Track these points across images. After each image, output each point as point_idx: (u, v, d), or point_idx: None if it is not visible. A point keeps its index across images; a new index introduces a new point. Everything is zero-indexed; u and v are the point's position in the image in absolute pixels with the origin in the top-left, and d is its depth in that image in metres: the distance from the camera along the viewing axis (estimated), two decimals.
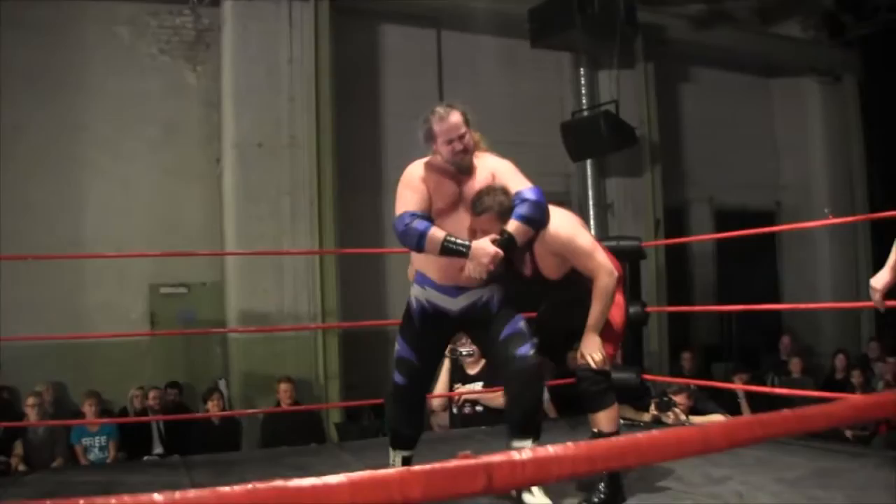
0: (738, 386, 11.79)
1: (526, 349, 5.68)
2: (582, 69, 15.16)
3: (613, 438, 2.05)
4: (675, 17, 15.91)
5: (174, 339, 12.59)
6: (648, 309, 10.07)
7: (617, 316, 6.06)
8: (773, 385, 12.99)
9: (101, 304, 12.37)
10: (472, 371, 9.25)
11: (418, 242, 5.46)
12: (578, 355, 5.89)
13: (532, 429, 5.76)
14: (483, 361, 9.25)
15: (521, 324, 5.80)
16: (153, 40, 13.07)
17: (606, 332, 5.93)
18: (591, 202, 15.02)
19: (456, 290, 5.80)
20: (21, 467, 9.74)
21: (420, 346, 5.99)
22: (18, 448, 10.10)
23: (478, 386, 9.32)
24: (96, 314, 12.26)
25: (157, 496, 1.64)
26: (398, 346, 6.03)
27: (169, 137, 13.00)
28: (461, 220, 5.65)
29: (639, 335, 11.13)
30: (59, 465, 10.04)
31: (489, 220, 5.53)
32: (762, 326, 15.81)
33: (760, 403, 11.60)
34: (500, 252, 5.42)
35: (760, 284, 16.44)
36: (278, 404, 10.99)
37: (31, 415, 10.22)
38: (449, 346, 8.62)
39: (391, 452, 6.30)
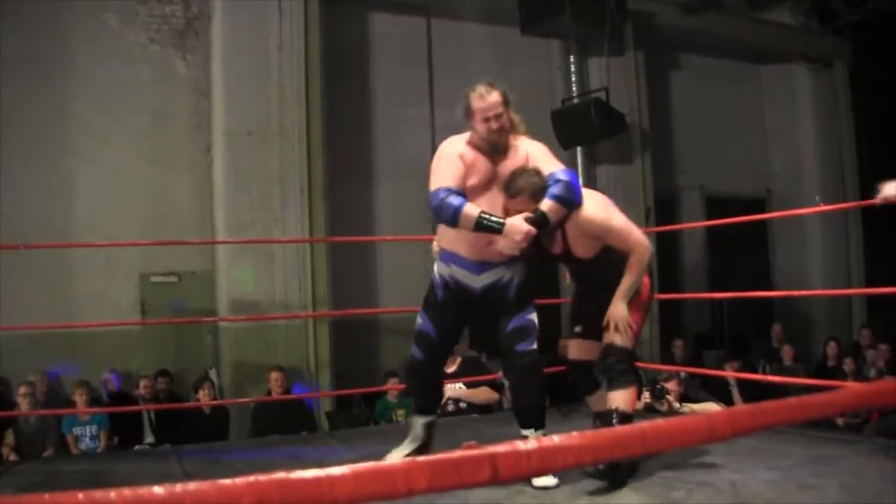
0: (729, 373, 11.79)
1: (526, 345, 5.92)
2: (572, 56, 15.13)
3: (618, 427, 2.04)
4: (664, 3, 15.89)
5: (165, 328, 12.57)
6: None
7: (644, 290, 6.22)
8: (764, 373, 12.99)
9: (91, 294, 12.36)
10: (450, 369, 9.29)
11: (453, 217, 5.60)
12: (605, 322, 5.97)
13: (534, 419, 6.06)
14: (459, 359, 9.55)
15: (530, 316, 6.01)
16: (142, 29, 13.04)
17: (635, 303, 6.06)
18: None
19: (480, 267, 5.94)
20: (12, 457, 9.70)
21: (440, 322, 6.20)
22: (10, 437, 10.07)
23: (459, 383, 9.40)
24: (87, 304, 12.24)
25: (157, 489, 1.62)
26: (420, 321, 6.25)
27: (158, 126, 12.97)
28: (495, 198, 5.80)
29: None
30: (50, 455, 10.02)
31: (523, 202, 5.70)
32: (753, 314, 15.82)
33: (752, 391, 11.60)
34: (533, 229, 5.58)
35: (751, 272, 16.44)
36: (269, 393, 10.98)
37: (23, 404, 10.19)
38: None
39: (414, 420, 6.57)
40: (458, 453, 1.83)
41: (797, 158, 17.67)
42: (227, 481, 1.68)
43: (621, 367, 5.95)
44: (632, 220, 6.61)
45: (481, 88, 5.91)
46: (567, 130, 14.28)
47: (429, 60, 14.53)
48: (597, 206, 5.97)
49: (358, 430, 9.41)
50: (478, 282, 5.99)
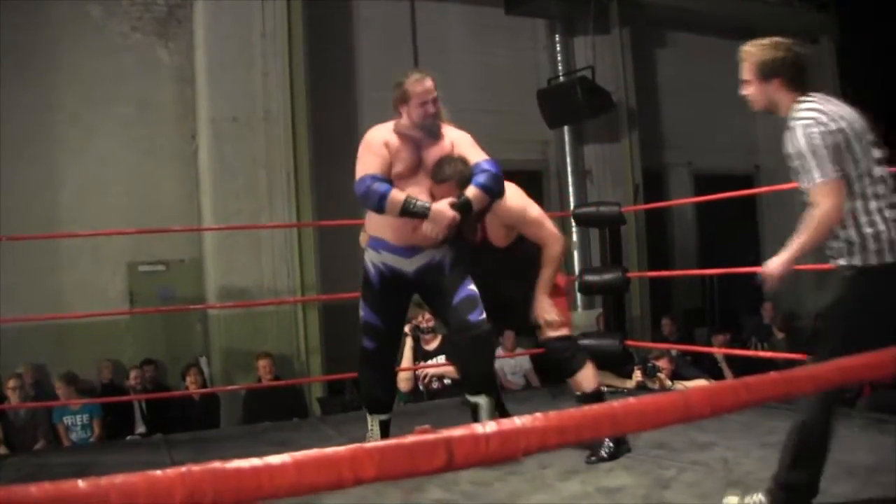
0: (722, 350, 11.77)
1: (477, 314, 6.10)
2: (557, 36, 15.13)
3: (586, 407, 1.99)
4: None
5: (154, 317, 12.52)
6: (629, 275, 10.02)
7: (561, 280, 6.64)
8: (756, 350, 12.96)
9: (79, 284, 12.32)
10: (430, 347, 9.50)
11: (379, 203, 5.79)
12: (535, 318, 6.35)
13: (488, 387, 6.35)
14: (440, 337, 9.71)
15: (472, 287, 6.18)
16: (124, 18, 12.97)
17: (554, 293, 6.44)
18: (569, 169, 15.02)
19: (410, 251, 6.10)
20: (2, 450, 9.66)
21: (383, 310, 6.32)
22: None
23: (440, 360, 9.45)
24: (74, 294, 12.19)
25: (81, 483, 1.57)
26: (362, 313, 6.38)
27: (143, 115, 12.90)
28: (420, 185, 5.99)
29: (620, 301, 11.09)
30: (41, 447, 9.99)
31: (449, 188, 5.91)
32: (743, 290, 15.79)
33: (744, 369, 11.58)
34: (458, 215, 5.77)
35: (741, 248, 16.41)
36: (259, 381, 10.95)
37: (13, 397, 10.15)
38: (411, 324, 9.36)
39: (369, 418, 6.67)
40: (410, 439, 1.77)
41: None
42: (158, 472, 1.62)
43: (567, 355, 6.34)
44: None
45: (417, 74, 6.05)
46: (553, 110, 14.28)
47: (413, 42, 14.46)
48: (515, 197, 6.31)
49: (350, 414, 9.34)
50: (410, 265, 6.15)
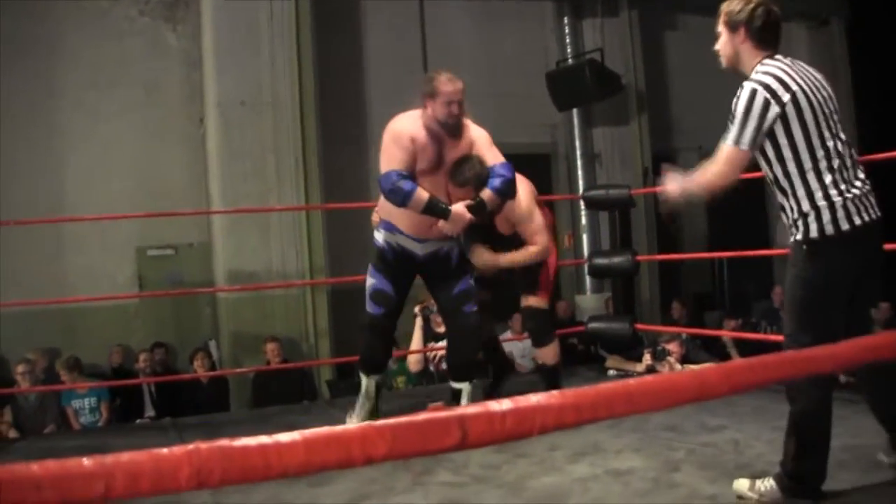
0: (731, 333, 11.74)
1: (471, 306, 6.74)
2: (566, 18, 15.07)
3: (602, 385, 1.95)
4: None
5: (163, 301, 12.54)
6: (639, 258, 10.01)
7: (553, 263, 7.41)
8: (765, 333, 12.92)
9: (88, 269, 12.34)
10: (441, 329, 9.57)
11: (404, 201, 6.11)
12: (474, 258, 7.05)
13: (472, 374, 6.98)
14: None
15: (471, 282, 6.81)
16: (131, 2, 12.96)
17: (545, 277, 7.25)
18: (578, 152, 14.98)
19: (423, 240, 6.59)
20: (12, 434, 9.66)
21: (394, 279, 6.78)
22: (7, 415, 10.03)
23: None
24: (83, 279, 12.19)
25: (85, 461, 1.54)
26: (374, 281, 6.83)
27: (150, 99, 12.92)
28: (439, 181, 6.37)
29: (630, 285, 11.10)
30: (51, 431, 9.99)
31: (466, 191, 6.33)
32: (754, 275, 15.76)
33: (753, 353, 11.52)
34: (473, 217, 6.26)
35: (750, 231, 16.37)
36: (267, 364, 10.96)
37: (22, 382, 10.14)
38: (421, 305, 9.78)
39: (364, 379, 7.14)
40: (422, 416, 1.74)
41: None
42: (164, 451, 1.59)
43: (541, 327, 7.19)
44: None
45: (448, 74, 6.29)
46: (562, 92, 14.24)
47: (421, 26, 14.43)
48: (525, 200, 6.92)
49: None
50: (421, 249, 6.65)
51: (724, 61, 4.93)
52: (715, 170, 4.67)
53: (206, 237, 12.69)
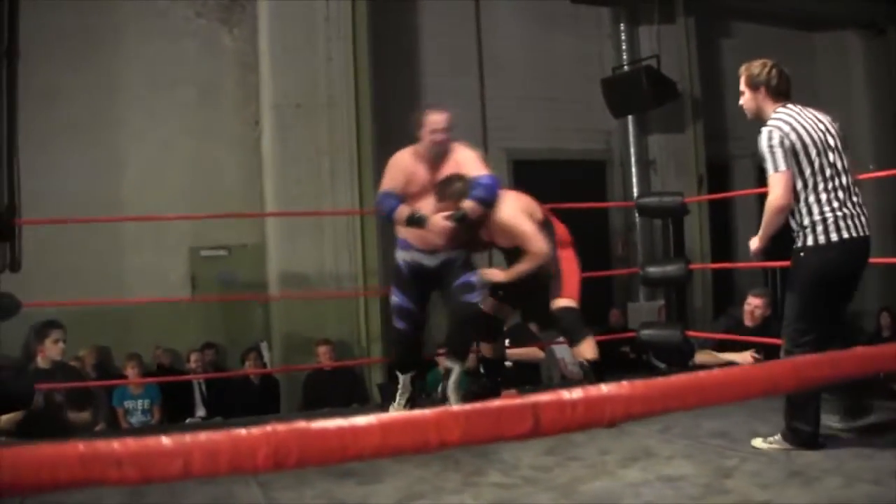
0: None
1: (471, 297, 7.37)
2: (622, 24, 15.07)
3: (673, 377, 1.95)
4: None
5: (215, 301, 12.57)
6: (692, 266, 9.99)
7: (573, 267, 7.57)
8: None
9: (141, 268, 12.41)
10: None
11: (389, 215, 7.26)
12: (483, 274, 7.58)
13: (462, 355, 7.64)
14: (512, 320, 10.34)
15: (473, 278, 7.43)
16: (189, 2, 13.06)
17: (568, 279, 7.40)
18: (632, 159, 14.96)
19: (432, 252, 7.37)
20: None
21: (412, 295, 7.56)
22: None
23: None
24: (137, 278, 12.29)
25: (165, 439, 1.55)
26: (395, 299, 7.61)
27: (206, 100, 13.00)
28: (431, 202, 7.18)
29: (682, 293, 11.05)
30: (100, 430, 10.02)
31: (449, 204, 7.07)
32: None
33: None
34: (451, 224, 7.02)
35: None
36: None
37: None
38: None
39: (400, 377, 7.85)
40: (496, 403, 1.75)
41: (850, 125, 17.35)
42: (242, 431, 1.60)
43: (570, 325, 7.35)
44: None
45: (435, 110, 7.39)
46: (618, 99, 14.23)
47: (477, 30, 14.44)
48: (509, 210, 7.28)
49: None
50: (432, 261, 7.42)
51: (748, 114, 6.10)
52: (773, 196, 5.72)
53: (259, 239, 12.70)
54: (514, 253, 7.38)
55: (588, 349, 7.33)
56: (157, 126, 12.70)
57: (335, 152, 12.16)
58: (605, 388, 1.82)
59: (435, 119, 7.24)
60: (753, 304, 9.30)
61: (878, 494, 4.68)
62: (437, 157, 7.28)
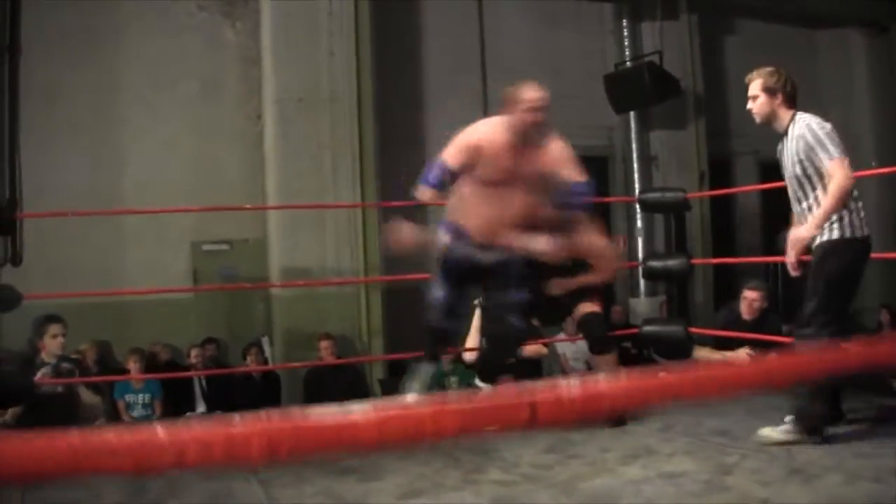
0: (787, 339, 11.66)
1: (516, 319, 6.76)
2: (624, 21, 15.04)
3: (666, 372, 1.95)
4: None
5: (217, 296, 12.62)
6: (694, 261, 10.00)
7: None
8: None
9: (143, 262, 12.38)
10: None
11: (422, 183, 6.41)
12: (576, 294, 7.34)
13: (491, 377, 7.20)
14: None
15: (524, 296, 6.74)
16: None
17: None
18: (634, 155, 14.96)
19: (485, 248, 6.51)
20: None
21: (456, 290, 6.78)
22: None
23: None
24: (138, 272, 12.25)
25: (160, 430, 1.56)
26: (435, 289, 6.80)
27: (208, 95, 12.98)
28: (515, 191, 6.36)
29: (684, 287, 11.06)
30: (100, 424, 10.01)
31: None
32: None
33: None
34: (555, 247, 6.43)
35: None
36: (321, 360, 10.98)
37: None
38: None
39: (425, 366, 7.09)
40: (492, 396, 1.75)
41: (852, 123, 17.39)
42: (236, 423, 1.60)
43: (605, 334, 7.49)
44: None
45: (534, 84, 6.39)
46: (620, 94, 14.24)
47: (480, 27, 14.45)
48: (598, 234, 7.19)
49: None
50: (487, 257, 6.54)
51: (760, 118, 6.36)
52: (842, 178, 5.82)
53: (261, 233, 12.70)
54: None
55: (611, 363, 7.30)
56: (159, 123, 12.69)
57: (337, 147, 12.15)
58: (602, 382, 1.83)
59: (533, 95, 6.30)
60: (751, 298, 9.27)
61: (879, 492, 4.70)
62: (527, 140, 6.34)
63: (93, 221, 11.35)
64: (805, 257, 6.28)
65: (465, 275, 6.70)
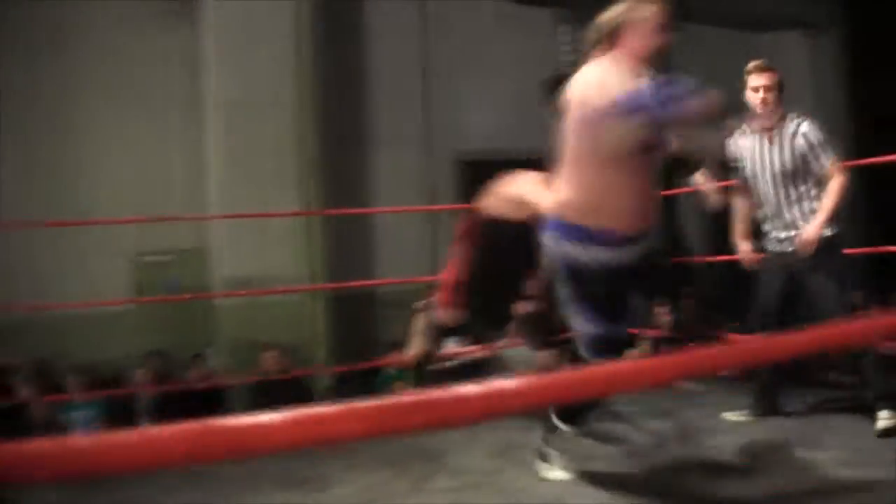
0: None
1: (594, 354, 4.89)
2: (564, 25, 15.06)
3: (572, 370, 1.97)
4: None
5: (160, 308, 12.49)
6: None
7: None
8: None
9: (84, 274, 12.26)
10: None
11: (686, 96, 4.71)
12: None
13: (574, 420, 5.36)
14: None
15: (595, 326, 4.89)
16: (131, 2, 12.92)
17: None
18: None
19: (625, 241, 4.75)
20: None
21: (607, 309, 4.90)
22: None
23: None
24: (79, 284, 12.12)
25: (78, 438, 1.53)
26: (583, 325, 4.95)
27: (149, 100, 12.87)
28: (638, 168, 4.83)
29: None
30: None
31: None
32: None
33: None
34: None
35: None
36: (265, 373, 10.93)
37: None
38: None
39: (566, 428, 5.40)
40: (395, 398, 1.77)
41: None
42: (155, 430, 1.63)
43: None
44: None
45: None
46: (559, 97, 14.24)
47: (424, 29, 14.42)
48: None
49: None
50: (629, 255, 4.81)
51: (765, 108, 6.78)
52: (842, 179, 6.31)
53: (203, 242, 12.63)
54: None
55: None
56: (99, 127, 12.64)
57: (280, 153, 12.09)
58: (505, 383, 1.84)
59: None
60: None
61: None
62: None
63: (31, 231, 11.24)
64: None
65: (609, 285, 4.83)
